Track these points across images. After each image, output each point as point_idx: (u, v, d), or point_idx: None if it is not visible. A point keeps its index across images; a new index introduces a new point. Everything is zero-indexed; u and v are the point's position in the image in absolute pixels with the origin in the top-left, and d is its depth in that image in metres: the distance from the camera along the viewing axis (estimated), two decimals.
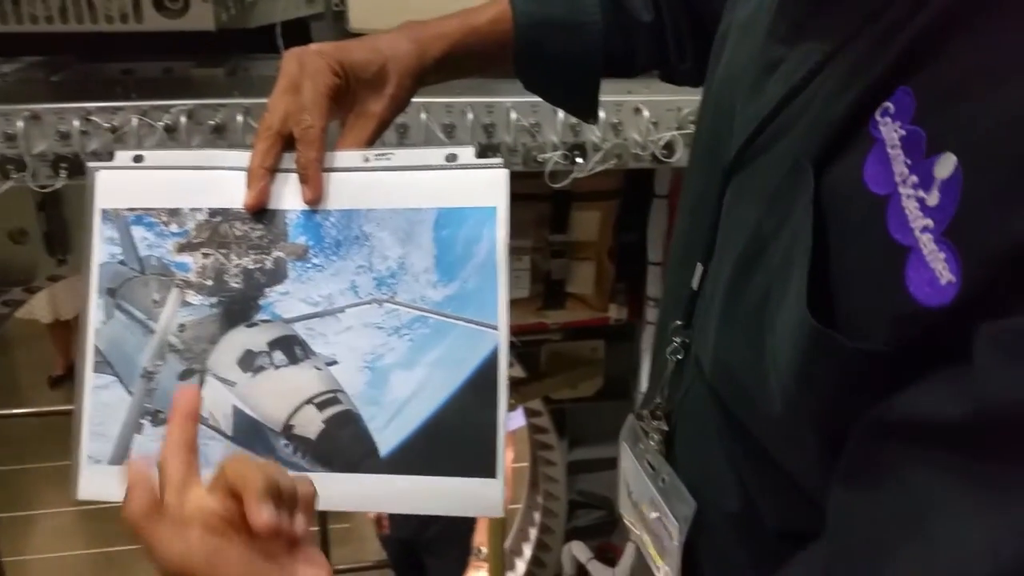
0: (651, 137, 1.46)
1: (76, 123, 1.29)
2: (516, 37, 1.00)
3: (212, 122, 1.33)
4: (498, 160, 0.83)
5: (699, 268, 0.75)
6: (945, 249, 0.45)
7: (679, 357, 0.79)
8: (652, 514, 0.81)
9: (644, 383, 2.04)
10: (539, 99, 1.38)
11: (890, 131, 0.51)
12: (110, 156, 0.87)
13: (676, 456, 0.80)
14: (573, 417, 2.28)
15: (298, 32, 1.67)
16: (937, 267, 0.46)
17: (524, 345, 2.11)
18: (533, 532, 2.54)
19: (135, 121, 1.30)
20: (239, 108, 1.34)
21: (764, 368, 0.59)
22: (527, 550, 2.56)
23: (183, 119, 1.31)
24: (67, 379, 5.17)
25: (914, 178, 0.49)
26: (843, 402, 0.52)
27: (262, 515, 0.59)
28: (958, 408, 0.44)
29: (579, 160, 1.46)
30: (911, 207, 0.48)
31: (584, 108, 1.12)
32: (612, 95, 1.44)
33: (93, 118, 1.30)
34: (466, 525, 3.02)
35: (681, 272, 0.79)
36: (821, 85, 0.59)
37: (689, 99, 1.47)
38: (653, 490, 0.80)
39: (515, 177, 0.82)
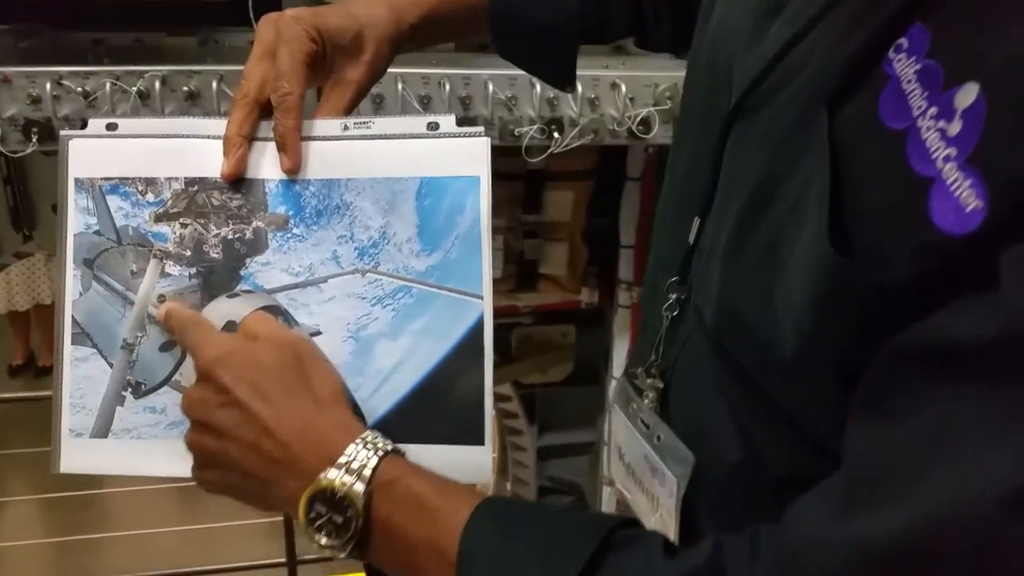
0: (628, 113, 1.46)
1: (48, 87, 1.27)
2: (492, 2, 0.99)
3: (186, 88, 1.32)
4: (479, 129, 0.82)
5: (696, 222, 0.75)
6: (971, 175, 0.45)
7: (675, 313, 0.79)
8: (647, 474, 0.80)
9: (617, 367, 2.04)
10: (517, 72, 1.37)
11: (905, 67, 0.51)
12: (83, 122, 0.85)
13: (671, 413, 0.79)
14: (543, 402, 2.27)
15: (270, 4, 1.66)
16: (962, 194, 0.46)
17: (494, 329, 2.09)
18: None
19: (108, 86, 1.28)
20: (213, 75, 1.33)
21: (775, 311, 0.59)
22: None
23: (157, 85, 1.30)
24: (26, 368, 5.13)
25: (934, 110, 0.49)
26: (862, 338, 0.52)
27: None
28: (983, 330, 0.44)
29: (556, 135, 1.46)
30: (932, 139, 0.48)
31: (561, 76, 1.11)
32: (589, 70, 1.44)
33: (65, 82, 1.28)
34: None
35: (675, 229, 0.79)
36: (829, 27, 0.59)
37: (666, 75, 1.48)
38: (648, 448, 0.79)
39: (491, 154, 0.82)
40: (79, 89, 1.28)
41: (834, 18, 0.59)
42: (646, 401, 0.81)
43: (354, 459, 0.66)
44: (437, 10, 0.95)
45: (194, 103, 1.33)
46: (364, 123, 0.83)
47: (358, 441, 0.68)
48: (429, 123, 0.82)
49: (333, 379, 0.75)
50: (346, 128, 0.83)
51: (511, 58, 1.08)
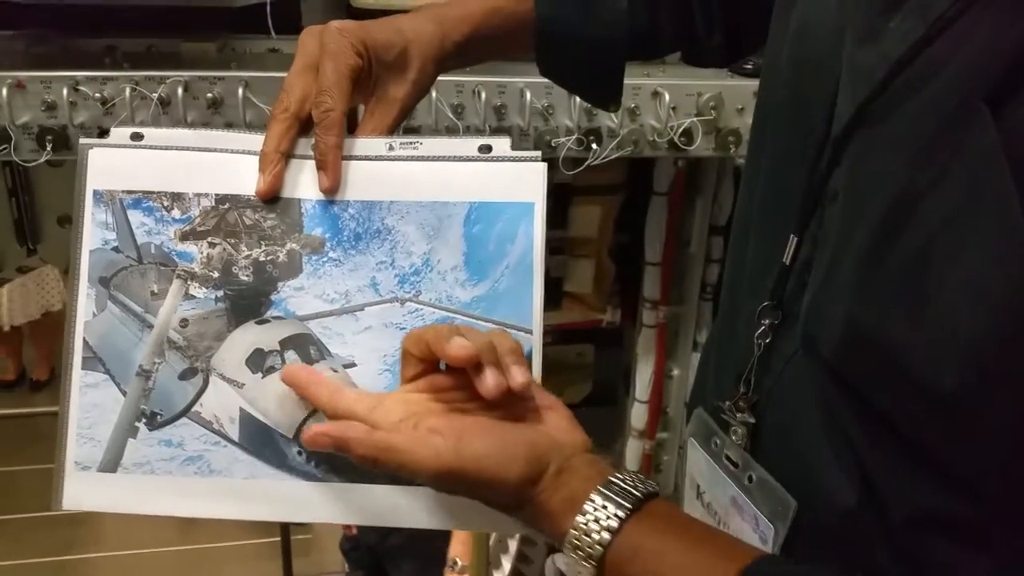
0: (670, 123, 1.40)
1: (64, 92, 1.21)
2: (537, 14, 0.94)
3: (210, 95, 1.26)
4: (536, 153, 0.78)
5: (792, 241, 0.69)
6: None
7: (767, 340, 0.72)
8: (734, 517, 0.74)
9: (639, 389, 1.98)
10: None
11: None
12: (101, 131, 0.79)
13: (764, 451, 0.73)
14: None
15: (287, 11, 1.61)
16: None
17: None
18: (513, 544, 2.47)
19: (128, 92, 1.21)
20: (238, 81, 1.26)
21: (930, 339, 0.54)
22: (506, 563, 2.50)
23: (180, 91, 1.23)
24: (19, 383, 5.04)
25: None
26: None
27: (455, 345, 0.62)
28: None
29: (594, 146, 1.40)
30: None
31: (607, 95, 1.05)
32: (630, 78, 1.37)
33: (82, 88, 1.22)
34: (431, 534, 2.92)
35: (761, 249, 0.74)
36: (982, 15, 0.53)
37: (710, 83, 1.43)
38: (735, 490, 0.73)
39: None
40: (96, 95, 1.21)
41: (986, 5, 0.53)
42: (733, 437, 0.74)
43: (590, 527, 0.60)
44: (483, 26, 0.90)
45: (217, 111, 1.27)
46: (411, 143, 0.79)
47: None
48: (481, 145, 0.78)
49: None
50: (391, 148, 0.79)
51: (554, 76, 1.02)
